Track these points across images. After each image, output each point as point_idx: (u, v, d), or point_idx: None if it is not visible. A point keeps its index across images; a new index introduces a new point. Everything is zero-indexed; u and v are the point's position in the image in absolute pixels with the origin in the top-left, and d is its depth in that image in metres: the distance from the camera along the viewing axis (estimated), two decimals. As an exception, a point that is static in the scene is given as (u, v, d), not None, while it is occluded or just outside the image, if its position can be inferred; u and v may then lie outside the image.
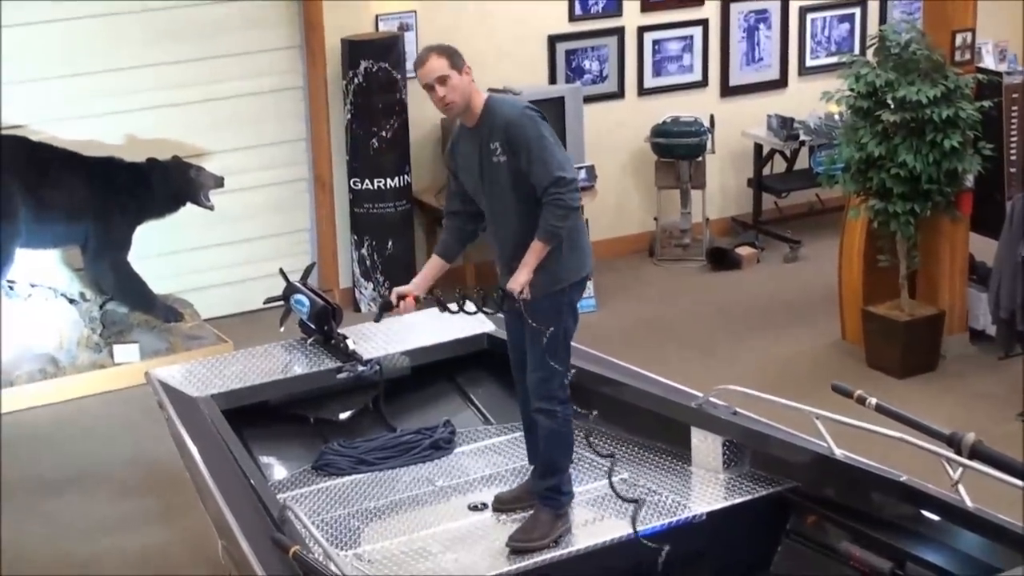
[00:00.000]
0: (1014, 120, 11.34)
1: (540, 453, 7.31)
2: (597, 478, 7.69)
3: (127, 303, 11.36)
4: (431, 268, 7.49)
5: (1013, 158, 11.32)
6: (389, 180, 11.97)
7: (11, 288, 10.86)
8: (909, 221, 10.57)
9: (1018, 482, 6.64)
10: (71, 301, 11.13)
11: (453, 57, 6.90)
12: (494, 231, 7.22)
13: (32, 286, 11.00)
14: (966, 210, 11.06)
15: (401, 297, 7.28)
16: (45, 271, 11.24)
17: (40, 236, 11.04)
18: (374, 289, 12.06)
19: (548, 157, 6.82)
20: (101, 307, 11.31)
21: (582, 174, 12.40)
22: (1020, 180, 11.05)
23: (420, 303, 7.39)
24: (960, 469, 6.77)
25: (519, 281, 6.89)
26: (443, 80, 6.81)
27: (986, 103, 10.72)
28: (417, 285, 7.37)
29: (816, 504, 7.33)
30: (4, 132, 10.90)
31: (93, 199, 11.03)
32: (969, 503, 6.75)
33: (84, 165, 11.07)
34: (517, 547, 6.94)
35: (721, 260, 13.11)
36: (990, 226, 10.95)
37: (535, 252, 6.89)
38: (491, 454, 8.14)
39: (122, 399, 10.56)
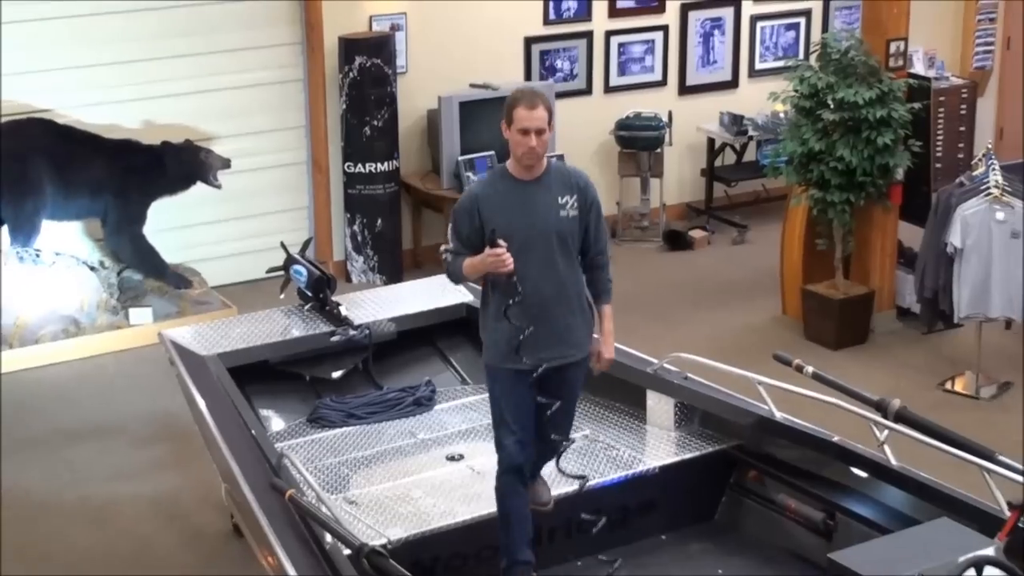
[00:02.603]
0: (940, 121, 11.39)
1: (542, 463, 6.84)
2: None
3: (142, 271, 11.36)
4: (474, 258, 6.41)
5: (939, 155, 11.36)
6: (379, 164, 11.95)
7: (38, 256, 10.82)
8: (845, 209, 10.62)
9: (938, 444, 6.70)
10: (91, 268, 11.11)
11: (551, 112, 6.38)
12: (526, 284, 6.28)
13: (56, 254, 10.96)
14: (896, 200, 11.10)
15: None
16: (68, 241, 11.25)
17: (64, 209, 11.07)
18: (364, 262, 12.06)
19: (604, 225, 6.63)
20: (118, 274, 11.30)
21: (553, 161, 12.41)
22: (945, 175, 11.08)
23: None
24: (886, 431, 6.82)
25: (612, 350, 6.67)
26: (541, 132, 6.24)
27: (916, 105, 10.74)
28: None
29: (757, 460, 7.38)
30: (32, 116, 10.93)
31: (112, 177, 11.04)
32: (894, 462, 6.79)
33: (105, 146, 11.08)
34: None
35: (676, 241, 13.13)
36: (917, 215, 10.98)
37: (611, 317, 6.61)
38: (467, 411, 8.15)
39: (137, 357, 10.55)
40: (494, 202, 6.34)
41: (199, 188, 11.27)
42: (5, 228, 10.88)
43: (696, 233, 13.26)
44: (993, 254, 9.84)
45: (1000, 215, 9.82)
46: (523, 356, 6.32)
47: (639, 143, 13.08)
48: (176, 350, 7.98)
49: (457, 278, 6.63)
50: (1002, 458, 6.50)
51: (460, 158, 12.06)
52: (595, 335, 6.66)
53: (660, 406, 7.76)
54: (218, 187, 11.22)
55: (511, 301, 6.26)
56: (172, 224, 11.49)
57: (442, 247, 6.57)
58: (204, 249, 11.75)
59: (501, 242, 6.17)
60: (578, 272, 6.51)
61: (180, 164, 11.19)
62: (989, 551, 5.29)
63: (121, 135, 11.23)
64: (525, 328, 6.26)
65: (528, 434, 6.52)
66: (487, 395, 8.14)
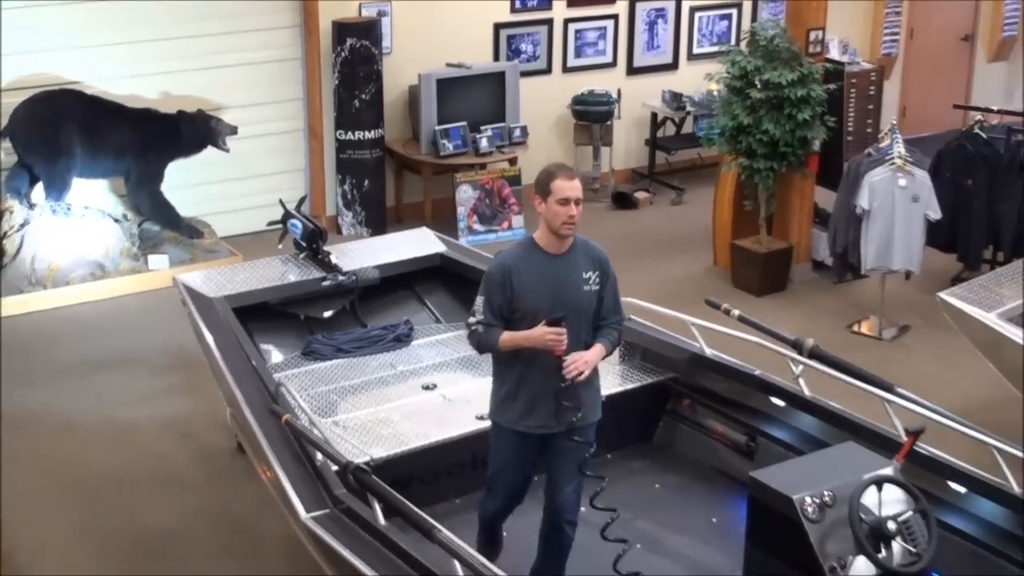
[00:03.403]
0: (852, 100, 11.41)
1: (557, 565, 6.09)
2: None
3: (159, 223, 11.30)
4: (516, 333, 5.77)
5: (850, 129, 11.38)
6: (367, 132, 11.91)
7: (69, 209, 10.79)
8: (769, 176, 10.62)
9: (846, 377, 6.71)
10: (115, 220, 11.06)
11: None
12: (549, 353, 5.73)
13: (85, 208, 10.92)
14: (813, 168, 11.12)
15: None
16: (96, 196, 11.18)
17: (92, 169, 11.02)
18: (353, 217, 12.03)
19: (619, 297, 6.02)
20: (139, 226, 11.23)
21: (517, 132, 12.41)
22: (855, 146, 11.09)
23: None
24: (801, 366, 6.83)
25: (587, 360, 5.76)
26: (578, 201, 5.68)
27: (831, 86, 10.75)
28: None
29: (690, 391, 7.38)
30: (64, 87, 10.89)
31: (134, 141, 10.99)
32: (807, 392, 6.81)
33: (127, 114, 11.03)
34: None
35: (623, 201, 13.12)
36: (831, 181, 11.01)
37: (600, 353, 5.84)
38: (441, 346, 8.12)
39: (154, 298, 10.50)
40: (525, 276, 5.73)
41: (210, 151, 11.22)
42: (40, 184, 10.85)
43: (640, 194, 13.25)
44: (895, 215, 9.86)
45: (902, 182, 9.84)
46: (553, 419, 5.80)
47: (592, 116, 13.06)
48: (188, 292, 7.93)
49: (488, 349, 5.85)
50: (900, 390, 6.53)
51: (437, 127, 12.04)
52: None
53: (607, 344, 7.75)
54: (226, 151, 11.18)
55: (563, 384, 5.66)
56: (186, 182, 11.42)
57: (471, 319, 5.80)
58: (213, 204, 11.70)
59: (563, 326, 5.60)
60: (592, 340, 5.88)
61: (193, 130, 11.15)
62: (888, 471, 5.31)
63: (142, 105, 11.19)
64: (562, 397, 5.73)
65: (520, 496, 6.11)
66: (457, 333, 8.22)
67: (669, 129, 13.77)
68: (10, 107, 10.66)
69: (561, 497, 5.93)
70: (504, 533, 6.32)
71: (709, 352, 7.26)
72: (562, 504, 5.94)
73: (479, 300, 5.80)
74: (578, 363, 5.70)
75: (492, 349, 5.83)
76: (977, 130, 10.82)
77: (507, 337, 5.73)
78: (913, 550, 5.16)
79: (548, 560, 6.07)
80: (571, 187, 5.68)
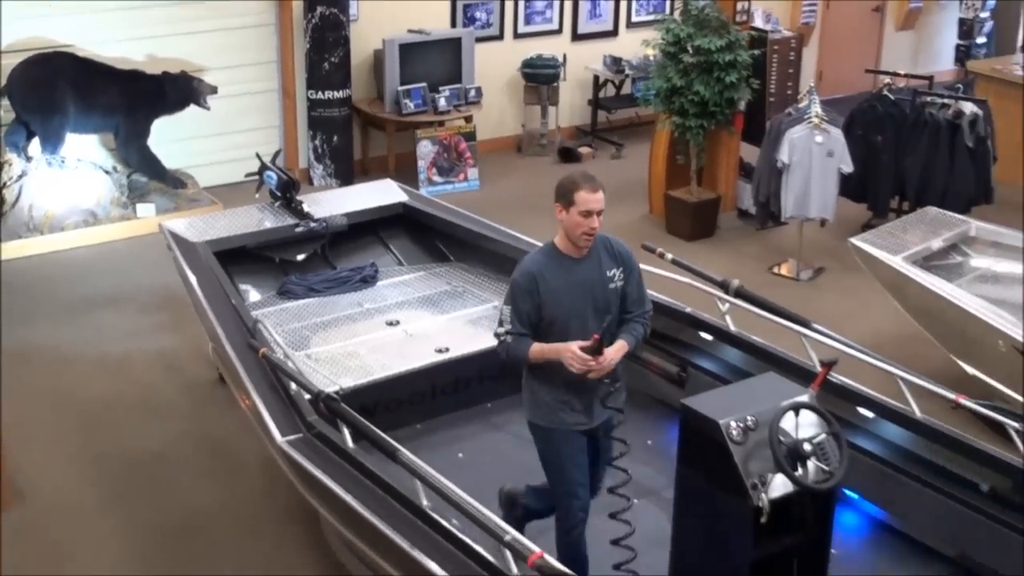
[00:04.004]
0: (774, 64, 11.38)
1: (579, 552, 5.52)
2: (472, 304, 7.70)
3: (146, 175, 11.22)
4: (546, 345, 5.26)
5: (772, 91, 11.37)
6: (335, 92, 11.80)
7: (63, 162, 10.69)
8: (699, 132, 10.62)
9: (767, 314, 6.73)
10: (106, 172, 10.96)
11: None
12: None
13: (78, 161, 10.82)
14: (739, 126, 11.14)
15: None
16: (88, 150, 11.06)
17: (84, 125, 10.89)
18: (323, 169, 11.94)
19: (644, 289, 5.54)
20: (128, 177, 11.15)
21: (472, 93, 12.35)
22: (777, 107, 11.08)
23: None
24: (727, 304, 6.85)
25: (610, 357, 5.24)
26: (600, 212, 5.22)
27: (755, 52, 10.75)
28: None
29: (628, 327, 7.39)
30: (58, 50, 10.75)
31: (122, 100, 10.89)
32: (733, 328, 6.84)
33: (116, 75, 10.90)
34: None
35: (568, 156, 13.08)
36: (755, 138, 11.02)
37: (623, 349, 5.31)
38: (403, 287, 8.10)
39: (142, 243, 10.41)
40: (551, 282, 5.23)
41: (192, 109, 11.09)
42: (36, 139, 10.72)
43: (583, 149, 13.21)
44: (812, 169, 9.89)
45: (819, 138, 9.86)
46: (584, 417, 5.37)
47: (540, 78, 12.98)
48: (173, 237, 7.87)
49: (517, 360, 5.30)
50: (816, 326, 6.56)
51: (399, 88, 11.97)
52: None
53: (553, 284, 7.74)
54: (207, 109, 11.07)
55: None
56: (171, 138, 11.30)
57: (499, 330, 5.26)
58: (196, 157, 11.58)
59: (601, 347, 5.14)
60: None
61: (177, 90, 11.04)
62: (804, 398, 5.33)
63: (130, 66, 11.05)
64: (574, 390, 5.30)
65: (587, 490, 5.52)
66: (418, 275, 8.20)
67: (610, 90, 13.71)
68: (8, 68, 10.53)
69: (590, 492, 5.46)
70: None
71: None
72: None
73: (505, 309, 5.27)
74: (604, 365, 5.18)
75: (521, 361, 5.29)
76: (886, 92, 10.86)
77: (537, 349, 5.21)
78: (826, 469, 5.19)
79: (571, 551, 5.46)
80: (595, 200, 5.18)
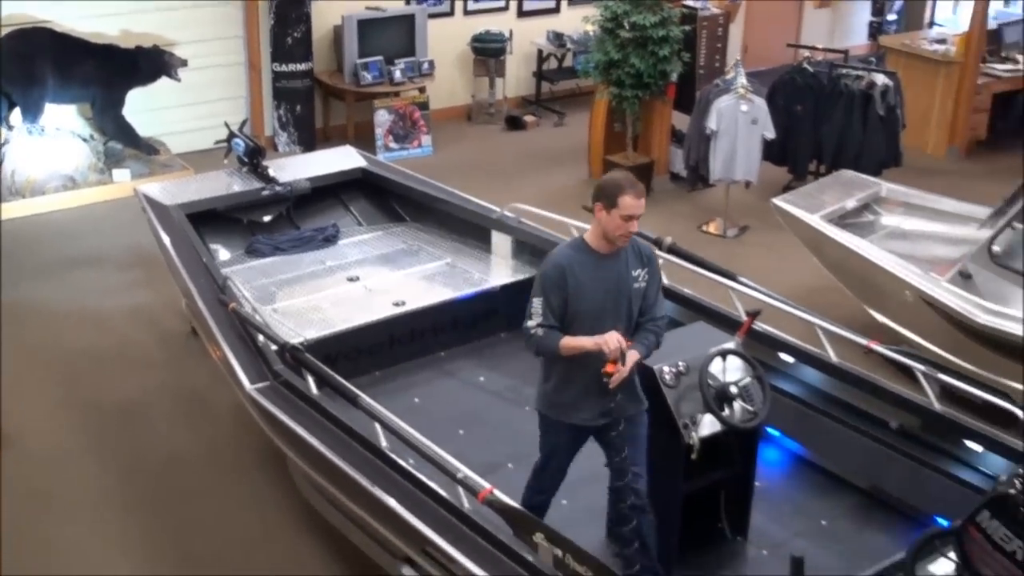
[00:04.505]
0: (703, 39, 11.37)
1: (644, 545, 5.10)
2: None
3: (122, 142, 11.06)
4: (576, 338, 4.90)
5: (702, 64, 11.36)
6: (298, 65, 11.66)
7: (43, 130, 10.54)
8: (635, 102, 10.61)
9: (697, 268, 6.75)
10: (83, 140, 10.82)
11: None
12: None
13: (57, 129, 10.68)
14: (671, 96, 11.13)
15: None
16: (66, 119, 10.91)
17: (62, 95, 10.72)
18: (287, 137, 11.82)
19: (662, 295, 5.21)
20: (104, 144, 11.00)
21: (425, 66, 12.26)
22: (706, 78, 11.07)
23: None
24: (662, 260, 6.84)
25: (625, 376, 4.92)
26: (639, 218, 4.88)
27: (686, 27, 10.74)
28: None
29: (570, 281, 7.38)
30: (37, 25, 10.56)
31: (98, 72, 10.71)
32: (667, 281, 6.81)
33: (92, 49, 10.72)
34: None
35: (514, 124, 13.03)
36: (686, 107, 11.01)
37: (635, 359, 4.94)
38: (363, 245, 8.05)
39: (118, 206, 10.27)
40: (580, 275, 4.90)
41: (164, 81, 10.91)
42: (17, 110, 10.55)
43: (528, 118, 13.15)
44: (738, 135, 9.91)
45: (744, 107, 9.88)
46: (593, 411, 5.04)
47: (488, 52, 12.89)
48: (147, 201, 7.77)
49: (548, 353, 4.95)
50: (741, 279, 6.59)
51: (357, 61, 11.86)
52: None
53: (501, 242, 7.73)
54: (178, 80, 10.91)
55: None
56: (144, 107, 11.13)
57: (528, 323, 4.90)
58: (168, 126, 11.43)
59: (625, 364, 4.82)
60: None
61: (149, 63, 10.87)
62: (731, 345, 5.36)
63: (105, 41, 10.86)
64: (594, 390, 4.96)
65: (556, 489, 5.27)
66: (376, 234, 8.15)
67: (552, 63, 13.64)
68: (-10, 43, 10.36)
69: (627, 479, 5.03)
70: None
71: (586, 249, 7.27)
72: (630, 486, 5.05)
73: (536, 302, 4.90)
74: (622, 374, 4.89)
75: (552, 354, 4.92)
76: (805, 65, 10.88)
77: (568, 343, 4.85)
78: (751, 409, 5.23)
79: (640, 548, 5.07)
80: (638, 206, 4.84)
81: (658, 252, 6.83)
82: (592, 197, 4.94)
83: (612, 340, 4.79)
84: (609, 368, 4.79)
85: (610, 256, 4.96)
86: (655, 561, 5.07)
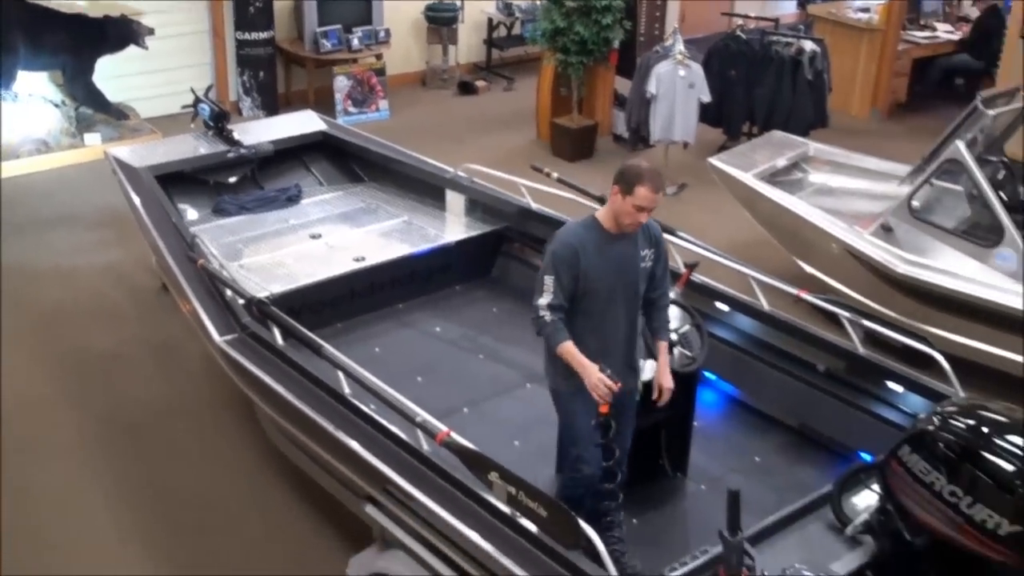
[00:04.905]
0: (644, 8, 11.36)
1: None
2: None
3: (92, 107, 10.89)
4: (577, 352, 4.61)
5: (642, 31, 11.33)
6: (260, 33, 11.51)
7: (16, 96, 10.36)
8: (580, 68, 10.55)
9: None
10: (56, 106, 10.65)
11: None
12: (604, 327, 4.74)
13: (30, 95, 10.50)
14: (613, 62, 11.10)
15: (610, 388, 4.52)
16: (38, 86, 10.69)
17: (34, 63, 10.51)
18: (251, 102, 11.68)
19: (668, 271, 5.01)
20: (75, 110, 10.83)
21: (382, 34, 12.13)
22: (646, 45, 11.04)
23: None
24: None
25: (670, 380, 4.88)
26: (651, 210, 4.63)
27: (627, -4, 10.72)
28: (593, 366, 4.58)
29: (519, 236, 7.36)
30: (8, -4, 10.41)
31: (68, 41, 10.50)
32: (610, 236, 6.82)
33: (63, 18, 10.45)
34: None
35: (466, 89, 12.94)
36: (627, 72, 10.99)
37: (666, 351, 4.92)
38: (324, 204, 7.97)
39: (89, 168, 10.12)
40: (591, 254, 4.63)
41: (132, 49, 10.71)
42: (-9, 77, 10.39)
43: (480, 83, 13.06)
44: (676, 98, 9.91)
45: (682, 72, 9.87)
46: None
47: (441, 21, 12.78)
48: (118, 163, 7.65)
49: (548, 342, 4.65)
50: (680, 233, 6.58)
51: (317, 29, 11.74)
52: (650, 363, 5.00)
53: (455, 200, 7.69)
54: (145, 48, 10.71)
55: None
56: (113, 74, 10.94)
57: (540, 301, 4.58)
58: (136, 92, 11.24)
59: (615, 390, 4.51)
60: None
61: (118, 31, 10.64)
62: (671, 295, 5.36)
63: (74, 11, 10.57)
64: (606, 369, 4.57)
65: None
66: (337, 194, 8.08)
67: (502, 31, 13.55)
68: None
69: (614, 458, 4.67)
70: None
71: (535, 206, 7.24)
72: (623, 452, 4.89)
73: (548, 280, 4.59)
74: (665, 393, 4.82)
75: (551, 347, 4.63)
76: (739, 33, 10.88)
77: (567, 351, 4.57)
78: (689, 355, 5.25)
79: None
80: (653, 199, 4.58)
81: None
82: (613, 178, 4.67)
83: (599, 386, 4.49)
84: (603, 410, 4.51)
85: (620, 236, 4.70)
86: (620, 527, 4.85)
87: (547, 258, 4.67)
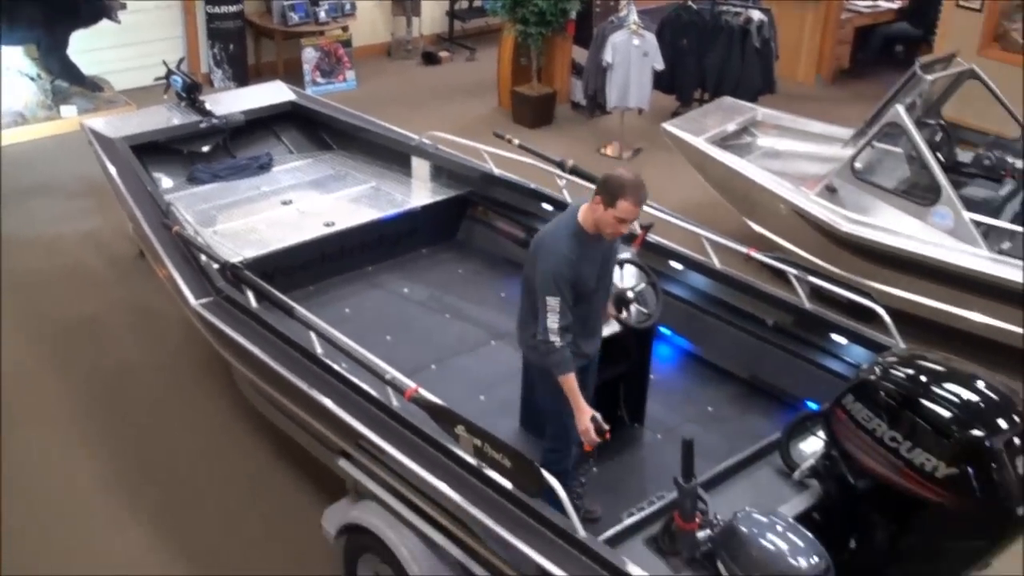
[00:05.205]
0: (600, -20, 11.31)
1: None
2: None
3: (67, 80, 10.70)
4: (577, 390, 4.51)
5: (598, 3, 11.26)
6: (230, 7, 11.34)
7: (-7, 69, 10.22)
8: (539, 38, 10.48)
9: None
10: (31, 79, 10.45)
11: None
12: (589, 319, 4.71)
13: (6, 69, 10.28)
14: (571, 32, 11.04)
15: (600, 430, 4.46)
16: (14, 60, 10.46)
17: (9, 37, 10.27)
18: (222, 74, 11.53)
19: None
20: (51, 83, 10.62)
21: (348, 6, 11.99)
22: (602, 16, 10.97)
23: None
24: (564, 180, 6.82)
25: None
26: (632, 222, 4.53)
27: (584, -30, 10.64)
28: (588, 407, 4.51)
29: (483, 200, 7.34)
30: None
31: (42, 15, 10.25)
32: (569, 199, 6.81)
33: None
34: None
35: (429, 59, 12.83)
36: (584, 42, 10.91)
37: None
38: (295, 172, 7.88)
39: (67, 139, 9.96)
40: (582, 263, 4.51)
41: (105, 23, 10.51)
42: (-33, 51, 10.18)
43: (443, 54, 12.95)
44: (631, 67, 9.87)
45: (636, 42, 9.82)
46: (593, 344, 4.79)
47: (404, -6, 12.70)
48: (93, 135, 7.53)
49: (558, 372, 4.47)
50: (636, 196, 6.57)
51: (284, 2, 11.56)
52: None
53: (420, 167, 7.64)
54: (118, 22, 10.53)
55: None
56: (87, 47, 10.73)
57: (550, 324, 4.42)
58: (110, 65, 11.04)
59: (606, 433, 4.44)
60: None
61: (91, 6, 10.40)
62: (627, 254, 5.37)
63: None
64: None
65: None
66: (307, 161, 8.00)
67: (464, 3, 13.43)
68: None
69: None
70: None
71: (497, 171, 7.21)
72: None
73: (553, 302, 4.42)
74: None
75: (555, 374, 4.48)
76: (690, 3, 10.81)
77: (569, 385, 4.47)
78: (645, 311, 5.27)
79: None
80: (634, 213, 4.47)
81: (562, 174, 6.83)
82: (596, 186, 4.52)
83: (589, 432, 4.42)
84: (587, 448, 4.49)
85: (600, 241, 4.60)
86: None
87: (547, 279, 4.45)
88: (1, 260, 7.99)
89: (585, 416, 4.46)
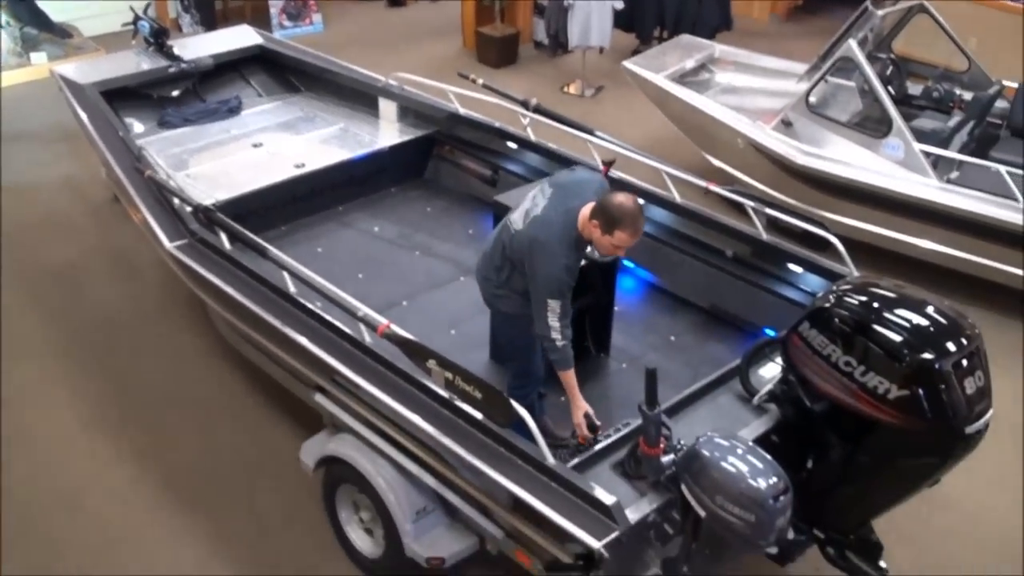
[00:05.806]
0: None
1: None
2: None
3: (36, 27, 10.50)
4: (576, 385, 4.57)
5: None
6: (196, -48, 11.15)
7: (-38, 19, 9.97)
8: (500, -22, 10.36)
9: (560, 125, 6.66)
10: (1, 27, 10.21)
11: None
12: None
13: (-25, 17, 10.10)
14: (532, -28, 10.89)
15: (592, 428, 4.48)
16: (-18, 8, 10.30)
17: (-24, -14, 10.07)
18: (191, 19, 11.30)
19: None
20: (20, 30, 10.42)
21: None
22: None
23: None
24: (528, 118, 6.75)
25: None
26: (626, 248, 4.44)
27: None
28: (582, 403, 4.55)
29: (449, 140, 7.25)
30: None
31: (10, -37, 10.08)
32: (533, 137, 6.77)
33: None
34: None
35: (395, 1, 12.64)
36: (545, -18, 10.80)
37: None
38: (264, 114, 7.76)
39: (38, 86, 9.78)
40: (577, 265, 4.51)
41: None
42: (-65, 0, 9.91)
43: (407, -4, 12.80)
44: (592, 6, 9.76)
45: (596, -19, 9.70)
46: None
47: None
48: (64, 81, 7.36)
49: (561, 367, 4.51)
50: (599, 133, 6.52)
51: (250, -53, 11.33)
52: None
53: (388, 107, 7.53)
54: None
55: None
56: (56, -4, 10.57)
57: (553, 323, 4.42)
58: (78, 11, 10.85)
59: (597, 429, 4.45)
60: None
61: None
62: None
63: (13, -67, 10.20)
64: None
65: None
66: (274, 104, 7.87)
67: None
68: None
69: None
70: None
71: (463, 111, 7.12)
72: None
73: (556, 304, 4.41)
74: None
75: (558, 365, 4.52)
76: (648, -59, 10.70)
77: (569, 379, 4.53)
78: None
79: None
80: (630, 243, 4.38)
81: (526, 112, 6.76)
82: (594, 208, 4.39)
83: (582, 426, 4.46)
84: (580, 440, 4.46)
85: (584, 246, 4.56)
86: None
87: (551, 284, 4.41)
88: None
89: (580, 411, 4.49)
